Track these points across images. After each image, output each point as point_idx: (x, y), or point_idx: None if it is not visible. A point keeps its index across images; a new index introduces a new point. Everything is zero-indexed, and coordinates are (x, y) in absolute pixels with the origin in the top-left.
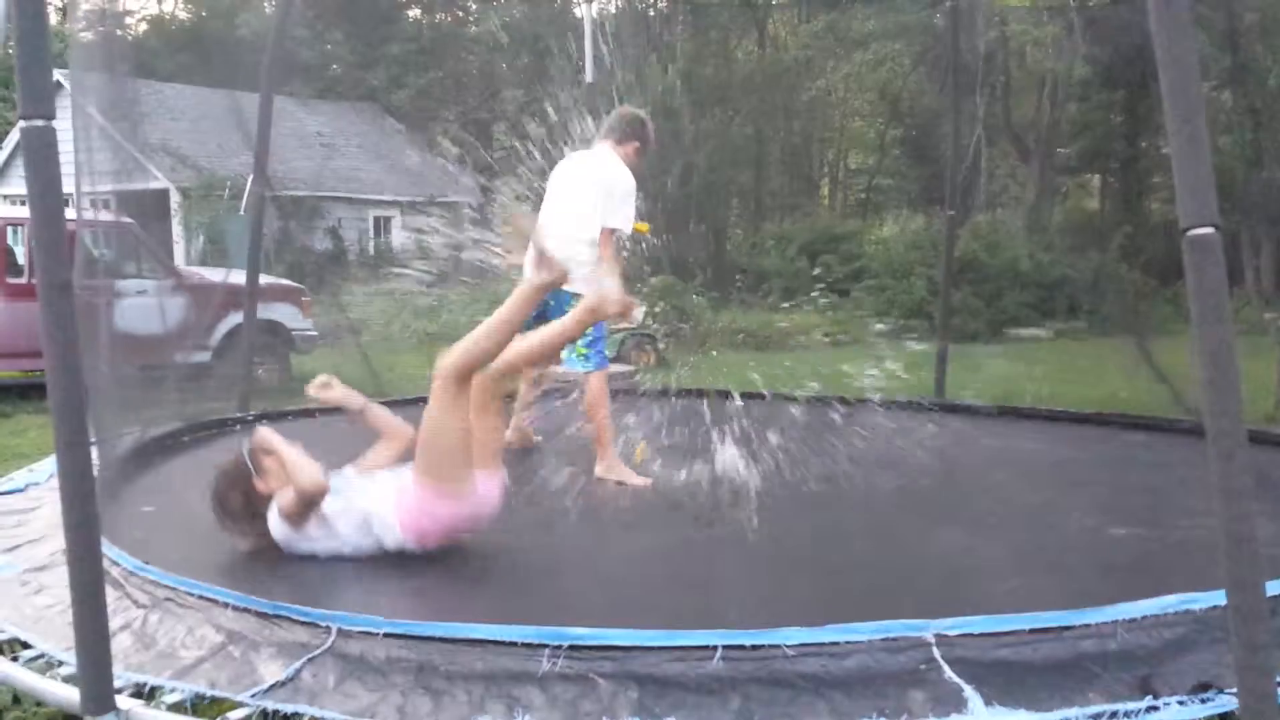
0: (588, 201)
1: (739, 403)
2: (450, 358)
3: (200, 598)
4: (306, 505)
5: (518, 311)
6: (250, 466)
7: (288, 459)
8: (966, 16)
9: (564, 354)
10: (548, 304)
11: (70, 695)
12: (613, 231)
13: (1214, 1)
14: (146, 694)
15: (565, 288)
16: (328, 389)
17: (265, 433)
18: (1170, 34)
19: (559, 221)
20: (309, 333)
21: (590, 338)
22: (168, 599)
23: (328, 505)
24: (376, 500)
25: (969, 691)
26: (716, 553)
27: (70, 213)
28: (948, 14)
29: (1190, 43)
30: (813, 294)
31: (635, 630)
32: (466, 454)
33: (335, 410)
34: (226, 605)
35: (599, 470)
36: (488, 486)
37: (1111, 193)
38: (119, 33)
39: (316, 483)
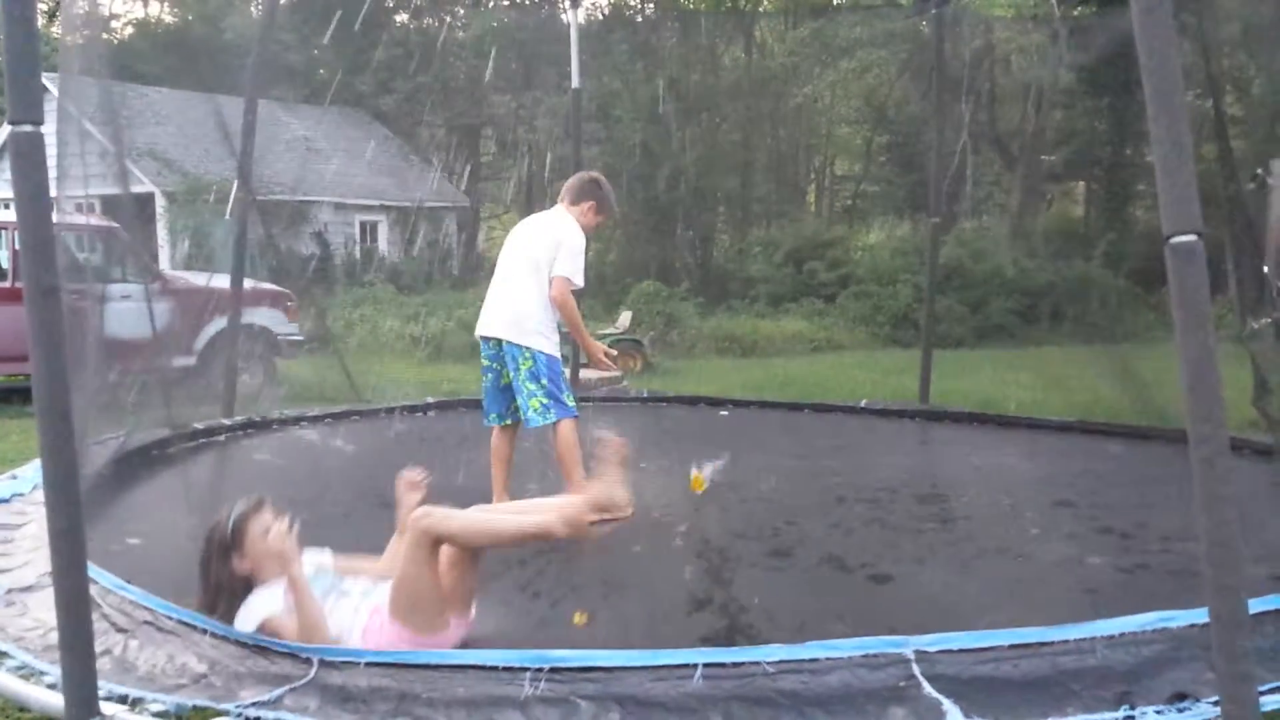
0: (541, 249)
1: (725, 412)
2: (432, 524)
3: (181, 623)
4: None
5: (515, 539)
6: (230, 539)
7: (305, 608)
8: (951, 25)
9: (523, 414)
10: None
11: (54, 701)
12: (566, 280)
13: (1197, 9)
14: (130, 704)
15: (515, 340)
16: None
17: (289, 549)
18: (1154, 42)
19: (511, 275)
20: (294, 337)
21: (547, 389)
22: (147, 622)
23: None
24: (346, 620)
25: (948, 705)
26: (695, 573)
27: (55, 217)
28: (933, 22)
29: (1173, 51)
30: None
31: (617, 651)
32: (439, 603)
33: (320, 419)
34: (207, 632)
35: None
36: (457, 629)
37: (1096, 200)
38: (104, 36)
39: (325, 641)
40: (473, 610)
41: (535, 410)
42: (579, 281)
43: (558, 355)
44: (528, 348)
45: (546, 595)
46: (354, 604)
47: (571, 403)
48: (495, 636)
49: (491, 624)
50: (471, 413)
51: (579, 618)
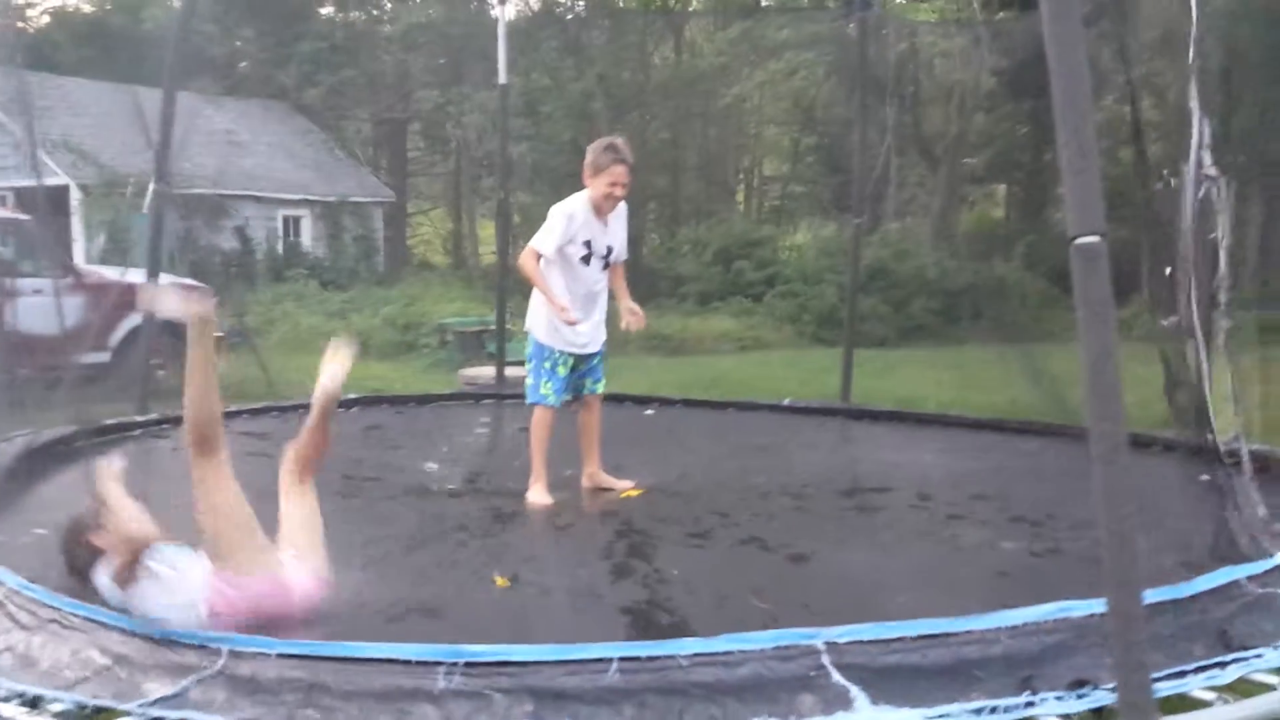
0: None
1: (650, 411)
2: (185, 426)
3: (87, 619)
4: (130, 556)
5: (201, 351)
6: (88, 519)
7: (113, 504)
8: (876, 28)
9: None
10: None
11: None
12: (529, 249)
13: (1118, 16)
14: (30, 704)
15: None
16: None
17: (104, 480)
18: (1061, 47)
19: None
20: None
21: (531, 371)
22: (52, 620)
23: (158, 569)
24: (195, 580)
25: (855, 692)
26: (612, 570)
27: None
28: (858, 25)
29: (1080, 55)
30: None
31: (532, 646)
32: (247, 530)
33: (237, 415)
34: (114, 629)
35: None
36: (299, 570)
37: (1016, 202)
38: (19, 25)
39: (142, 534)
40: (322, 555)
41: (526, 388)
42: (540, 248)
43: (550, 343)
44: (527, 331)
45: (465, 565)
46: (198, 561)
47: (546, 390)
48: (412, 604)
49: (408, 591)
50: (396, 409)
51: (501, 581)
